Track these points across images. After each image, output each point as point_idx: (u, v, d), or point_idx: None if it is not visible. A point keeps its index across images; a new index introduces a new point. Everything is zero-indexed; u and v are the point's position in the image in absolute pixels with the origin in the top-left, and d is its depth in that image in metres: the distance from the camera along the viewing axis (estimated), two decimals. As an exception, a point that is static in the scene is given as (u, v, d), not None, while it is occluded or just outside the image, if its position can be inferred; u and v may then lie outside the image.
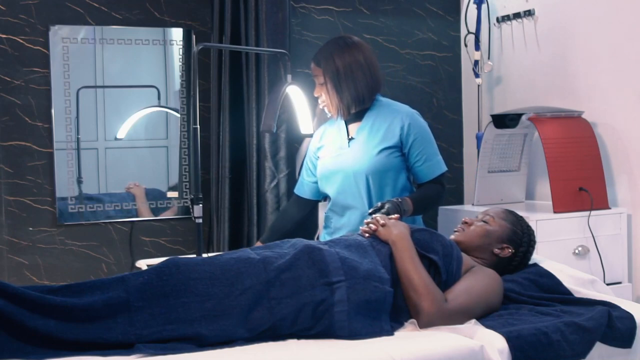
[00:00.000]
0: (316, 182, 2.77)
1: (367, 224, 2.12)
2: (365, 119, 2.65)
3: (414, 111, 2.69)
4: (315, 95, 2.66)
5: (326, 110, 2.67)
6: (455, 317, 1.88)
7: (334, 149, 2.69)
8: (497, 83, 3.84)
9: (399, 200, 2.42)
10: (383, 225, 2.07)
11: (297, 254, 1.86)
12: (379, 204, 2.38)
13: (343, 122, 2.69)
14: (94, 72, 3.41)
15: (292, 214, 2.86)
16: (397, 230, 2.03)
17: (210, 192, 3.46)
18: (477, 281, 1.99)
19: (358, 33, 3.81)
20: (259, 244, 2.76)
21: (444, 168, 2.66)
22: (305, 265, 1.84)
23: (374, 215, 2.17)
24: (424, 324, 1.86)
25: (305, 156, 2.89)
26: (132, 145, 3.50)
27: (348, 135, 2.67)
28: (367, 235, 2.08)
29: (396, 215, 2.18)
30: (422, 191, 2.61)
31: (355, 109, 2.63)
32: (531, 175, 3.57)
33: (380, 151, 2.58)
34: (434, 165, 2.63)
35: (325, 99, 2.63)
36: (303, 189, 2.84)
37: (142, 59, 3.51)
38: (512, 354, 1.75)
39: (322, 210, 2.83)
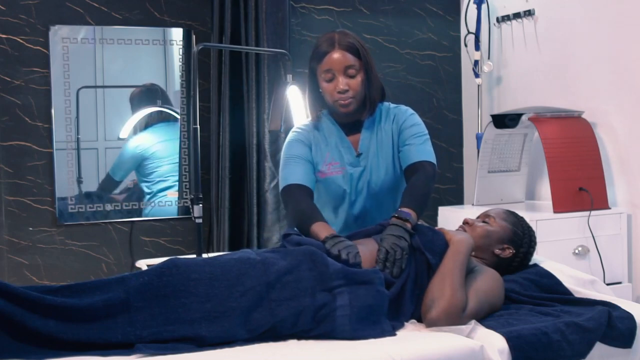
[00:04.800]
0: (314, 174, 2.37)
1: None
2: (364, 130, 2.37)
3: (404, 107, 2.44)
4: (343, 87, 2.25)
5: (339, 108, 2.29)
6: (463, 321, 1.87)
7: (339, 164, 2.36)
8: (497, 83, 3.84)
9: (403, 218, 2.04)
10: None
11: (298, 257, 1.86)
12: (388, 248, 1.96)
13: (342, 133, 2.38)
14: (94, 72, 3.41)
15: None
16: (463, 236, 2.06)
17: (210, 192, 3.46)
18: (482, 283, 1.98)
19: (358, 33, 3.77)
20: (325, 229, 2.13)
21: (433, 159, 2.31)
22: (306, 268, 1.83)
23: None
24: (431, 321, 1.84)
25: (291, 156, 2.39)
26: (132, 145, 3.51)
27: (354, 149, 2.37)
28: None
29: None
30: (414, 191, 2.20)
31: (374, 108, 2.35)
32: (531, 175, 3.57)
33: (400, 166, 2.35)
34: (421, 149, 2.31)
35: (354, 93, 2.27)
36: (301, 177, 2.32)
37: (142, 59, 3.51)
38: (512, 354, 1.74)
39: None
